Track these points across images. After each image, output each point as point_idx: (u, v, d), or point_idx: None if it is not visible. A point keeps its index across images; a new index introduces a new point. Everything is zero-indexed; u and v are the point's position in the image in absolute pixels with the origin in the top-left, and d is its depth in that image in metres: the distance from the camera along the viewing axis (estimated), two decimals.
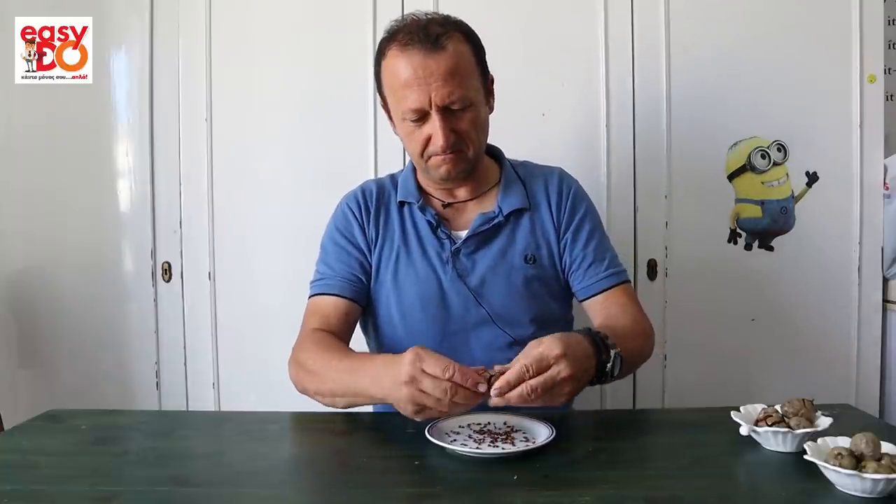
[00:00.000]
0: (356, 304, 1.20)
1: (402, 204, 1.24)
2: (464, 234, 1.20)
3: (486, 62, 1.18)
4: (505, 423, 0.97)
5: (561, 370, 0.88)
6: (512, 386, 0.87)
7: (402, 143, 1.21)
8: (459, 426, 0.95)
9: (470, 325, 1.17)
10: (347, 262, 1.21)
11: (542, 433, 0.91)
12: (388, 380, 0.91)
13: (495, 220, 1.20)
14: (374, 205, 1.24)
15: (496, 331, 1.17)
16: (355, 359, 1.04)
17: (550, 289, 1.22)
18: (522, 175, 1.26)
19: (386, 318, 1.21)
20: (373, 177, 1.70)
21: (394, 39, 1.12)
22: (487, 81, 1.19)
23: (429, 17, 1.13)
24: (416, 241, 1.21)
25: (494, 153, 1.30)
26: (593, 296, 1.20)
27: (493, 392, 0.86)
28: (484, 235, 1.20)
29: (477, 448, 0.87)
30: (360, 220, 1.23)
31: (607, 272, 1.21)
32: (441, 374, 0.85)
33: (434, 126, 1.10)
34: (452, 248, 1.19)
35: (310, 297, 1.22)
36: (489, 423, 0.96)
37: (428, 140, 1.13)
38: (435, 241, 1.20)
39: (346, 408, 1.05)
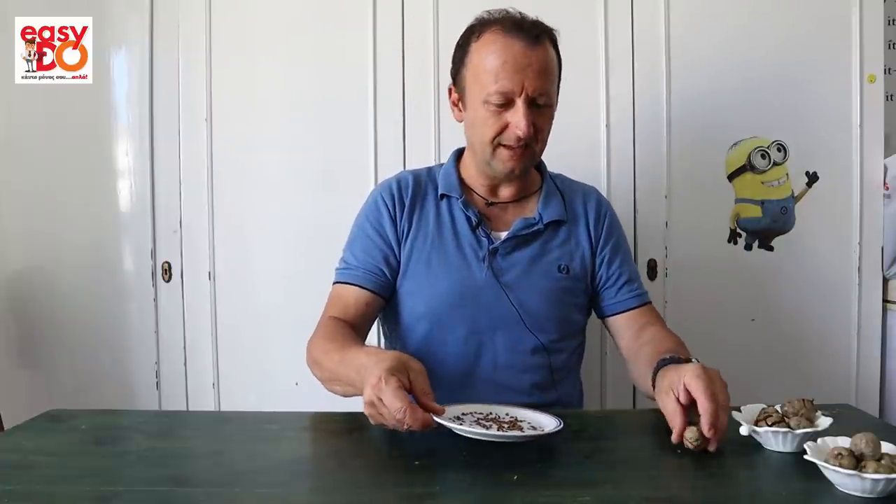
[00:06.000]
0: (378, 297, 1.20)
1: (441, 197, 1.24)
2: (502, 234, 1.21)
3: (561, 77, 1.21)
4: (507, 414, 0.97)
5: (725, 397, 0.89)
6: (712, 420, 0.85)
7: (467, 130, 1.21)
8: (462, 413, 0.95)
9: (498, 325, 1.18)
10: (373, 254, 1.21)
11: (548, 423, 0.91)
12: (363, 381, 0.91)
13: (535, 227, 1.21)
14: (409, 197, 1.24)
15: (524, 333, 1.18)
16: (348, 350, 1.04)
17: (577, 301, 1.25)
18: (561, 187, 1.28)
19: (412, 310, 1.21)
20: (372, 177, 1.71)
21: (494, 24, 1.14)
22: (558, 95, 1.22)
23: (523, 16, 1.16)
24: (451, 236, 1.21)
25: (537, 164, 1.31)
26: (625, 311, 1.24)
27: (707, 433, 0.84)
28: (522, 239, 1.21)
29: (485, 432, 0.86)
30: (392, 212, 1.23)
31: (638, 290, 1.26)
32: (394, 414, 0.83)
33: (517, 114, 1.11)
34: (490, 248, 1.19)
35: (334, 283, 1.23)
36: (491, 413, 0.97)
37: (504, 127, 1.13)
38: (473, 238, 1.21)
39: (345, 395, 1.05)
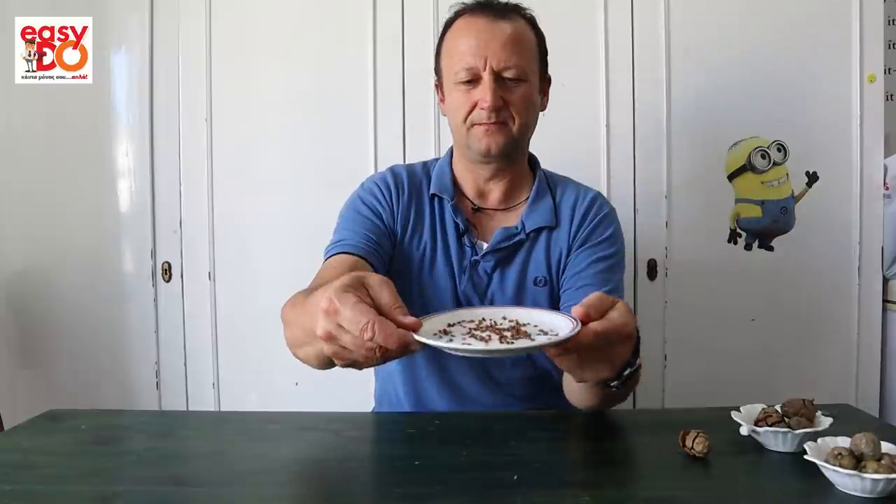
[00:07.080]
0: (371, 266, 1.07)
1: (433, 197, 1.18)
2: (486, 245, 1.15)
3: (547, 60, 1.18)
4: (505, 318, 0.78)
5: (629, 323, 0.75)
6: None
7: (448, 118, 1.18)
8: (448, 325, 0.76)
9: None
10: (370, 228, 1.13)
11: (562, 325, 0.72)
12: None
13: (516, 238, 1.15)
14: (405, 191, 1.17)
15: None
16: (311, 293, 0.84)
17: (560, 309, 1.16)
18: (556, 190, 1.21)
19: None
20: None
21: (465, 11, 1.14)
22: (545, 79, 1.19)
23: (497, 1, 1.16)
24: (441, 241, 1.16)
25: (532, 164, 1.25)
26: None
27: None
28: (504, 252, 1.15)
29: (486, 348, 0.68)
30: (389, 202, 1.16)
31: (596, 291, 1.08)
32: (359, 336, 0.66)
33: (483, 88, 1.09)
34: (472, 259, 1.14)
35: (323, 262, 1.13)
36: (484, 320, 0.78)
37: (475, 105, 1.10)
38: (458, 247, 1.15)
39: (318, 359, 0.85)
